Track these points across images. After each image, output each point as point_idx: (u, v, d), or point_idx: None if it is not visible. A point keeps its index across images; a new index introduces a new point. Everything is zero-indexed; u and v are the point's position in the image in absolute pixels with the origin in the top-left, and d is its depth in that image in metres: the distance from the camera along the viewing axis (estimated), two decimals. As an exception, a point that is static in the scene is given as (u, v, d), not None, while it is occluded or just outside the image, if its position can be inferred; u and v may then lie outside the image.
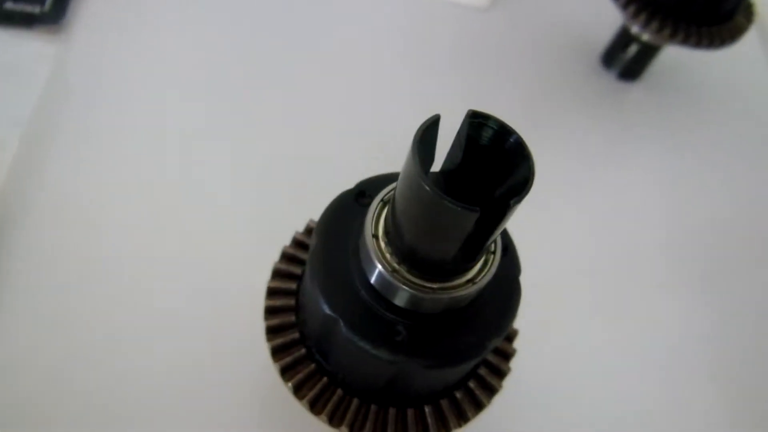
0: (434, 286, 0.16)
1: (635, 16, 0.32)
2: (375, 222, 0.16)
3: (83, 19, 0.34)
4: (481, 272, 0.16)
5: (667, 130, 0.38)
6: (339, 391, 0.19)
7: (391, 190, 0.17)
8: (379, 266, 0.16)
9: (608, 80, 0.39)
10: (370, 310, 0.17)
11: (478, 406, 0.19)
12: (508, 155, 0.14)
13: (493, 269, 0.16)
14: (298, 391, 0.19)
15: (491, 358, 0.20)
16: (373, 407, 0.19)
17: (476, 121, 0.14)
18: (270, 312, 0.20)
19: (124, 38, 0.34)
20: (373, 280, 0.16)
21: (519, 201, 0.13)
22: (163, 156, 0.30)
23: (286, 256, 0.20)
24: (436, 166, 0.15)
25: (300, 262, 0.20)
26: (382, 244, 0.16)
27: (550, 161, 0.35)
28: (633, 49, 0.37)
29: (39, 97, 0.30)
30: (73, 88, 0.31)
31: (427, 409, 0.19)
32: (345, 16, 0.38)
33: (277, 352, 0.19)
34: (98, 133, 0.30)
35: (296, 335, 0.19)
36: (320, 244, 0.18)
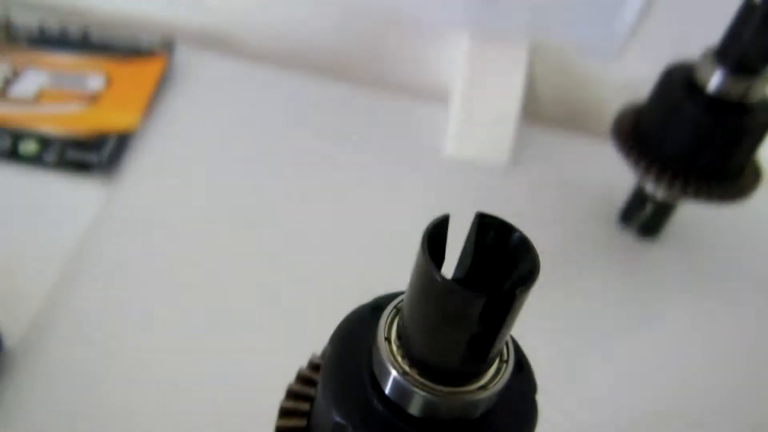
0: (446, 389, 0.15)
1: (647, 171, 0.34)
2: (388, 326, 0.17)
3: (133, 169, 0.37)
4: (494, 379, 0.16)
5: (690, 286, 0.38)
6: None
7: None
8: (392, 369, 0.16)
9: (628, 238, 0.40)
10: (382, 419, 0.16)
11: None
12: (514, 252, 0.15)
13: (506, 377, 0.16)
14: None
15: None
16: None
17: (484, 221, 0.15)
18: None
19: (166, 186, 0.37)
20: (385, 386, 0.16)
21: (526, 290, 0.14)
22: (188, 290, 0.31)
23: (301, 378, 0.20)
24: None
25: (314, 384, 0.20)
26: (395, 347, 0.16)
27: (574, 319, 0.35)
28: (650, 207, 0.38)
29: (83, 233, 0.32)
30: (116, 229, 0.33)
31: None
32: (364, 174, 0.41)
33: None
34: (131, 267, 0.32)
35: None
36: (334, 352, 0.18)
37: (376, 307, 0.19)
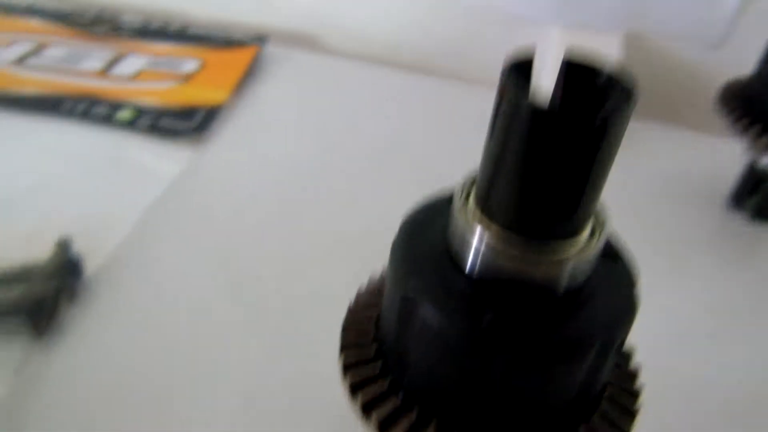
0: (528, 247, 0.14)
1: (758, 137, 0.31)
2: (465, 194, 0.15)
3: (218, 138, 0.38)
4: (581, 250, 0.14)
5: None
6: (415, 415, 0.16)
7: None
8: (471, 230, 0.14)
9: (739, 223, 0.36)
10: (453, 287, 0.15)
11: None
12: (603, 89, 0.13)
13: (595, 249, 0.14)
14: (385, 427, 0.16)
15: (614, 391, 0.16)
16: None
17: (572, 63, 0.14)
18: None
19: (246, 157, 0.37)
20: (463, 251, 0.15)
21: (621, 114, 0.12)
22: (256, 249, 0.31)
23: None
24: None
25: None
26: (472, 208, 0.15)
27: (688, 310, 0.32)
28: (765, 187, 0.35)
29: (167, 188, 0.33)
30: (196, 186, 0.34)
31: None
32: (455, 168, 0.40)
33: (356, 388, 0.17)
34: (205, 222, 0.32)
35: (377, 369, 0.17)
36: (404, 234, 0.16)
37: (444, 198, 0.17)
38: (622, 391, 0.17)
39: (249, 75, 0.43)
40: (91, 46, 0.44)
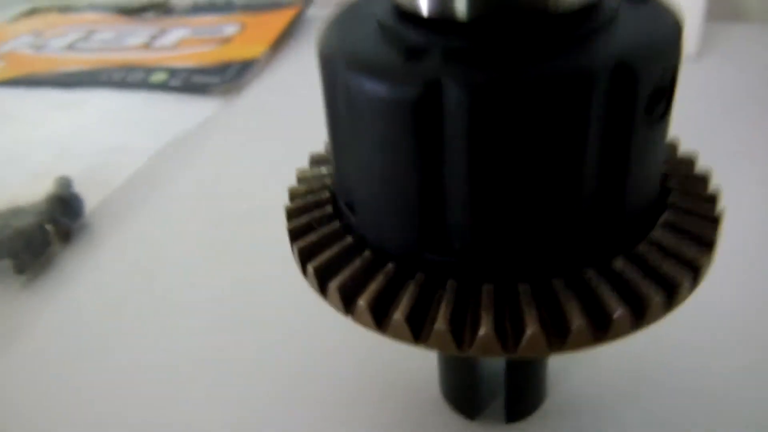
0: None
1: None
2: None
3: (250, 91, 0.35)
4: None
5: None
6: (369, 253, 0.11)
7: None
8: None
9: None
10: (390, 38, 0.10)
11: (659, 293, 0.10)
12: None
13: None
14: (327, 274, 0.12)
15: (676, 216, 0.11)
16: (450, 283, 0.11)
17: None
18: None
19: (276, 108, 0.34)
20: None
21: None
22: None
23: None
24: None
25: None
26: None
27: None
28: None
29: (186, 132, 0.31)
30: (218, 133, 0.31)
31: (557, 284, 0.10)
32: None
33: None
34: (221, 166, 0.29)
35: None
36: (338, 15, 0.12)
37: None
38: (689, 214, 0.12)
39: (288, 33, 0.41)
40: (138, 27, 0.44)
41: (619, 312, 0.10)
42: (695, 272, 0.11)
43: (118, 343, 0.20)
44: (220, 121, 0.32)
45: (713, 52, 0.35)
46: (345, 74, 0.10)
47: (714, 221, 0.12)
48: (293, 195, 0.14)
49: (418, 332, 0.11)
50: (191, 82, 0.36)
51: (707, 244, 0.11)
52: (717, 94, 0.31)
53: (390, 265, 0.11)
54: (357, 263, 0.11)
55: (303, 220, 0.13)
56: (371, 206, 0.11)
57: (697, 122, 0.29)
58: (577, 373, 0.17)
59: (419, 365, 0.17)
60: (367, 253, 0.12)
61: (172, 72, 0.37)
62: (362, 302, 0.11)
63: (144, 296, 0.22)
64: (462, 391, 0.16)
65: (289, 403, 0.17)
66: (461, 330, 0.10)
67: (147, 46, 0.41)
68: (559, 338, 0.10)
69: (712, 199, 0.12)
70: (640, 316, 0.10)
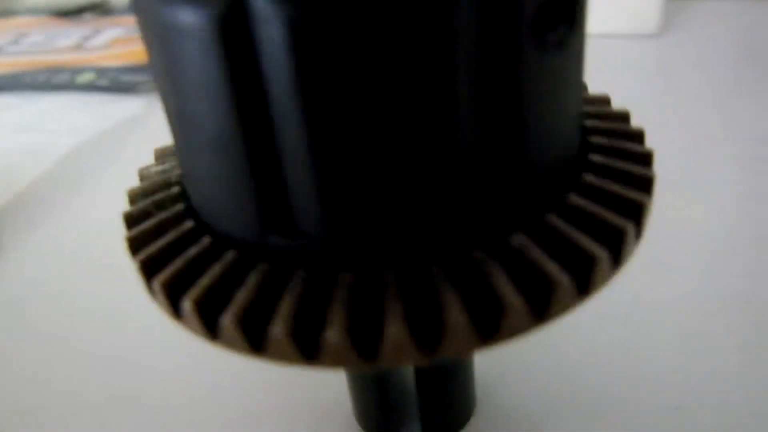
0: None
1: None
2: None
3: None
4: None
5: None
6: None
7: None
8: None
9: None
10: None
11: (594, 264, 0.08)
12: None
13: None
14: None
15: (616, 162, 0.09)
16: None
17: None
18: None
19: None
20: None
21: None
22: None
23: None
24: None
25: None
26: None
27: None
28: None
29: (104, 131, 0.28)
30: (141, 130, 0.29)
31: (435, 270, 0.08)
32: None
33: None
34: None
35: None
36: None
37: None
38: (616, 176, 0.09)
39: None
40: (72, 28, 0.42)
41: (513, 301, 0.08)
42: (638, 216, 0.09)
43: (20, 358, 0.17)
44: (145, 119, 0.30)
45: (675, 30, 0.33)
46: (152, 5, 0.08)
47: (647, 181, 0.09)
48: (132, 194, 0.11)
49: (257, 340, 0.08)
50: (119, 81, 0.33)
51: (642, 187, 0.09)
52: (678, 71, 0.29)
53: (230, 254, 0.09)
54: (191, 252, 0.09)
55: (141, 206, 0.10)
56: (202, 178, 0.09)
57: (658, 99, 0.27)
58: (511, 383, 0.15)
59: (331, 382, 0.15)
60: (205, 240, 0.09)
61: (100, 72, 0.34)
62: (188, 303, 0.08)
63: (48, 305, 0.19)
64: (372, 411, 0.13)
65: (183, 427, 0.15)
66: (306, 334, 0.08)
67: (78, 47, 0.38)
68: (431, 340, 0.08)
69: (646, 158, 0.10)
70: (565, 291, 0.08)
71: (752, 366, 0.15)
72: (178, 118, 0.09)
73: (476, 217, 0.08)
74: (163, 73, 0.08)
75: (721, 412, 0.14)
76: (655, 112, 0.26)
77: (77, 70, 0.35)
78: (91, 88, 0.33)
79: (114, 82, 0.33)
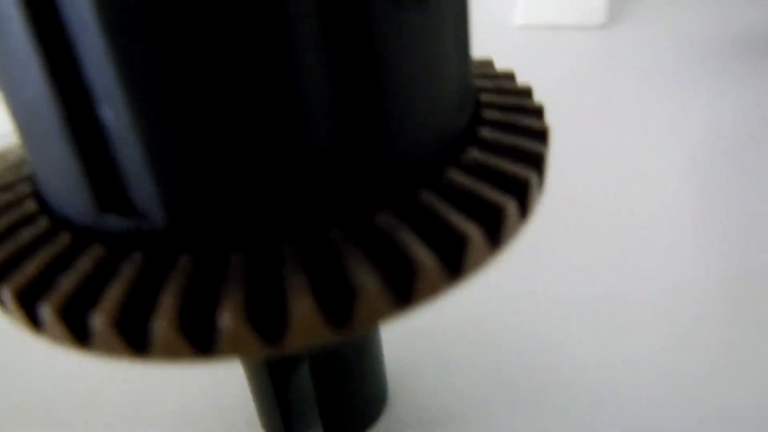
0: None
1: None
2: None
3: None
4: None
5: None
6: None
7: None
8: None
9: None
10: None
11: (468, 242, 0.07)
12: None
13: None
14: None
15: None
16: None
17: None
18: None
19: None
20: None
21: None
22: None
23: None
24: None
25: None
26: None
27: None
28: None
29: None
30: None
31: (286, 251, 0.07)
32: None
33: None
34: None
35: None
36: None
37: None
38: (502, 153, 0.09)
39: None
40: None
41: (368, 285, 0.07)
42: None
43: None
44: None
45: (621, 22, 0.32)
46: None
47: (537, 157, 0.09)
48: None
49: (81, 332, 0.07)
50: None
51: (530, 157, 0.08)
52: (624, 62, 0.29)
53: (65, 237, 0.08)
54: (24, 236, 0.08)
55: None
56: (37, 155, 0.08)
57: (604, 89, 0.26)
58: (426, 378, 0.14)
59: (234, 384, 0.14)
60: (43, 222, 0.08)
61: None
62: (5, 291, 0.07)
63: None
64: (273, 416, 0.12)
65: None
66: (134, 327, 0.07)
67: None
68: (276, 330, 0.07)
69: (541, 134, 0.09)
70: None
71: (673, 362, 0.14)
72: (4, 85, 0.08)
73: (332, 195, 0.07)
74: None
75: (638, 409, 0.13)
76: (600, 102, 0.25)
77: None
78: None
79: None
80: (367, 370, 0.12)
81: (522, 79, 0.10)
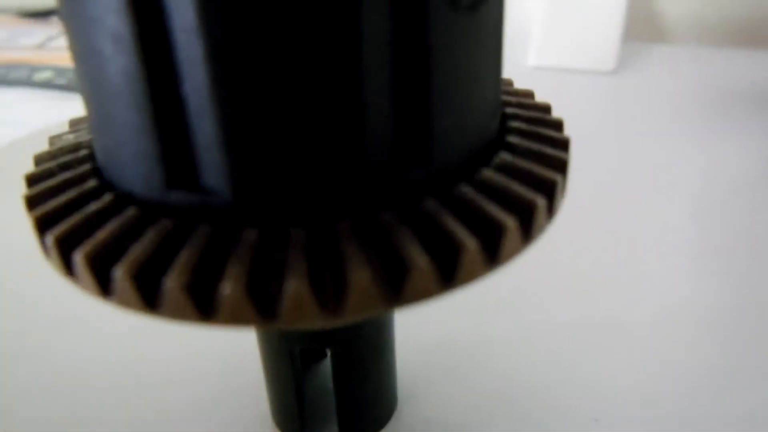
0: None
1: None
2: None
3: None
4: None
5: None
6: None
7: None
8: None
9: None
10: None
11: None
12: None
13: None
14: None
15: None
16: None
17: None
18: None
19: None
20: None
21: None
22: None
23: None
24: None
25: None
26: None
27: None
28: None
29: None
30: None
31: (343, 229, 0.08)
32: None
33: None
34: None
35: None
36: None
37: None
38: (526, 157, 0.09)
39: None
40: (37, 29, 0.41)
41: (419, 261, 0.07)
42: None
43: None
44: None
45: (631, 69, 0.33)
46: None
47: (561, 163, 0.09)
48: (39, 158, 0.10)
49: (151, 295, 0.08)
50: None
51: (555, 162, 0.09)
52: (631, 107, 0.30)
53: (131, 210, 0.08)
54: (90, 209, 0.09)
55: (45, 167, 0.10)
56: (107, 131, 0.09)
57: (611, 131, 0.28)
58: (435, 386, 0.14)
59: (249, 380, 0.14)
60: (107, 197, 0.09)
61: (59, 71, 0.34)
62: (79, 256, 0.08)
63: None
64: (289, 411, 0.13)
65: (90, 423, 0.14)
66: (203, 288, 0.07)
67: (41, 46, 0.38)
68: (334, 298, 0.07)
69: (563, 144, 0.10)
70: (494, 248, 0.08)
71: (665, 375, 0.15)
72: (82, 63, 0.08)
73: (386, 179, 0.08)
74: (68, 15, 0.08)
75: (640, 425, 0.14)
76: (607, 141, 0.26)
77: (36, 68, 0.34)
78: (48, 85, 0.32)
79: (72, 81, 0.32)
80: (383, 374, 0.13)
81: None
